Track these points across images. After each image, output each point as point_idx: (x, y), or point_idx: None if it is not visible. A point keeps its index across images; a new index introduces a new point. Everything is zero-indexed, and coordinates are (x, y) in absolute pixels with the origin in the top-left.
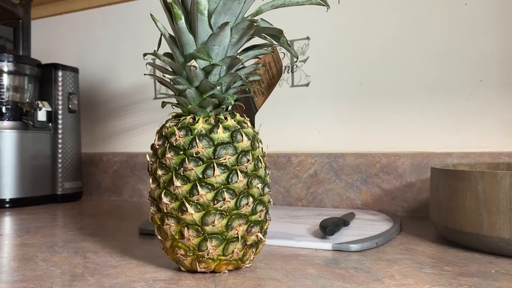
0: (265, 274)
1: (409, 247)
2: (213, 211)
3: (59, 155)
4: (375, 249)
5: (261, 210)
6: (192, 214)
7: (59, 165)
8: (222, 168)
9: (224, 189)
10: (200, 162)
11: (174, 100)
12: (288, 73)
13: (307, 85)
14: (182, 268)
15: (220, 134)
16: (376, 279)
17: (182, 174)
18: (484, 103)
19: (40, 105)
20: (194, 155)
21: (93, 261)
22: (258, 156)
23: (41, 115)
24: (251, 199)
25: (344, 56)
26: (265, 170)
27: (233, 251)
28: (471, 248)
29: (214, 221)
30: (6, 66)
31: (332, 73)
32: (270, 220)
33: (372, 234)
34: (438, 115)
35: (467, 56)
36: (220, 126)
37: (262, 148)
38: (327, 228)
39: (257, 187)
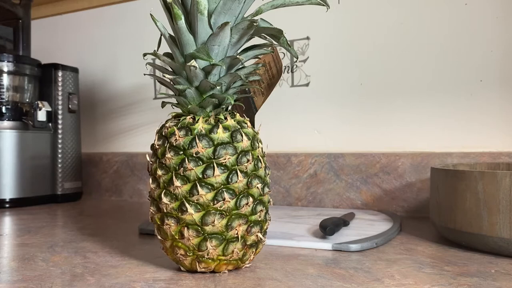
0: (265, 274)
1: (409, 247)
2: (213, 211)
3: (59, 155)
4: (375, 249)
5: (261, 210)
6: (192, 214)
7: (59, 165)
8: (222, 168)
9: (224, 189)
10: (200, 162)
11: (174, 100)
12: (288, 73)
13: (307, 85)
14: (182, 268)
15: (220, 134)
16: (376, 279)
17: (182, 174)
18: (484, 103)
19: (40, 105)
20: (194, 155)
21: (93, 261)
22: (258, 156)
23: (41, 115)
24: (251, 199)
25: (344, 56)
26: (265, 170)
27: (233, 251)
28: (471, 248)
29: (214, 221)
30: (6, 66)
31: (332, 73)
32: (270, 220)
33: (372, 234)
34: (438, 115)
35: (467, 56)
36: (220, 126)
37: (262, 148)
38: (327, 228)
39: (257, 187)
